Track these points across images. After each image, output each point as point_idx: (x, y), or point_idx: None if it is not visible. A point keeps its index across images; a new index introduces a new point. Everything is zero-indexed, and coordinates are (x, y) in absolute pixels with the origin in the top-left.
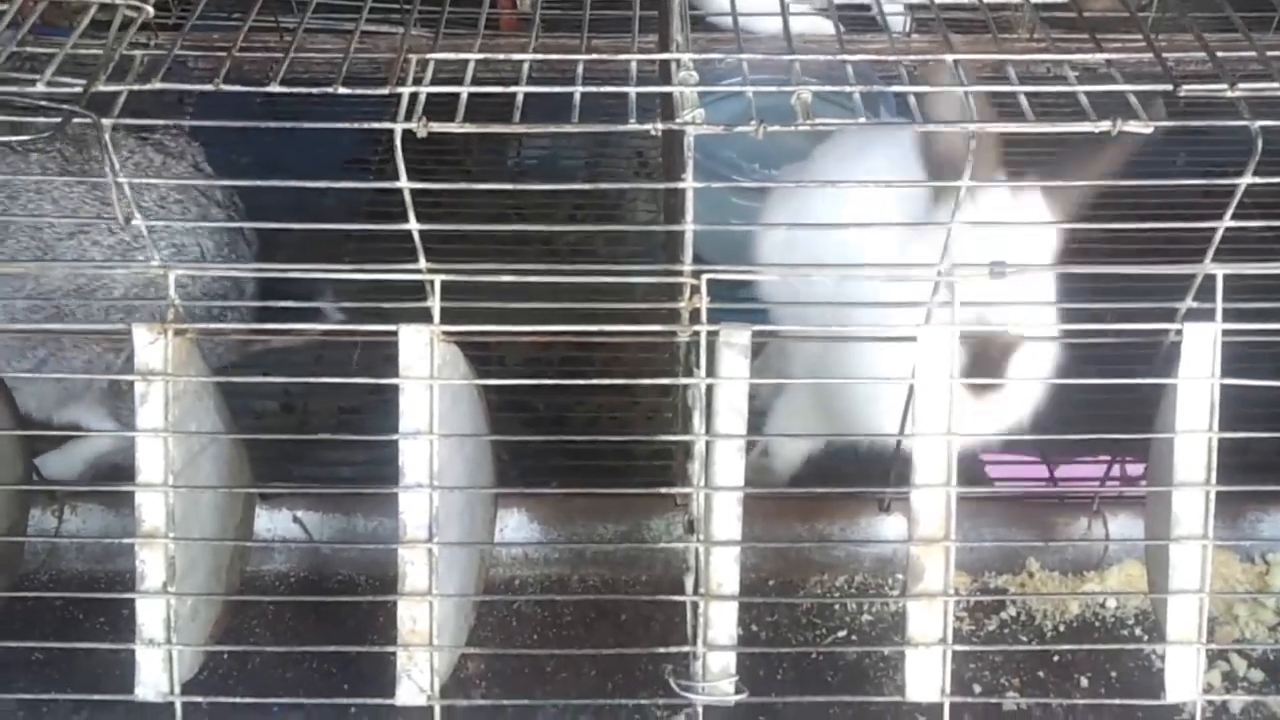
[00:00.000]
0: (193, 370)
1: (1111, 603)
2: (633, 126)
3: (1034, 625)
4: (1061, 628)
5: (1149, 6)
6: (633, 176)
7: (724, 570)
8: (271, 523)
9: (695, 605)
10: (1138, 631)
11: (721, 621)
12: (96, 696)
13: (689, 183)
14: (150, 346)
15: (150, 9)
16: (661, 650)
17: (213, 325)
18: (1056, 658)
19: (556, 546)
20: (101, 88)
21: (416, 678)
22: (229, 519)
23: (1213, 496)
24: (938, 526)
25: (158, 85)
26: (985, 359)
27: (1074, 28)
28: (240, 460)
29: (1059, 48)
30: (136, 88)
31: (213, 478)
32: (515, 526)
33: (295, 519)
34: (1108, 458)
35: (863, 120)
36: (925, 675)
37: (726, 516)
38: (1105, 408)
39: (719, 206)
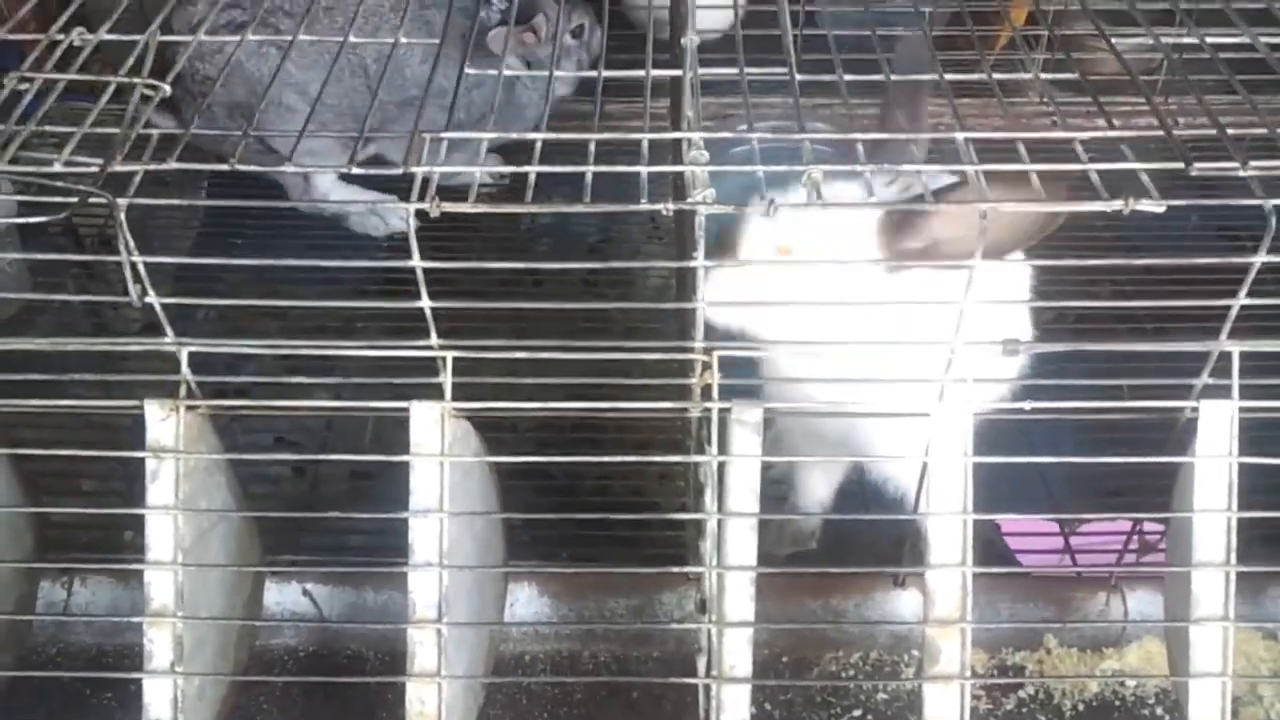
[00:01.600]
0: (204, 446)
1: (1132, 680)
2: (644, 207)
3: (1053, 704)
4: (1081, 706)
5: (1158, 68)
6: (645, 240)
7: (737, 652)
8: (281, 596)
9: (708, 688)
10: (1159, 711)
11: (734, 705)
12: None
13: (700, 261)
14: (162, 423)
15: (167, 88)
16: None
17: (225, 402)
18: None
19: (568, 623)
20: (118, 167)
21: None
22: (238, 595)
23: (1233, 577)
24: (953, 607)
25: (174, 165)
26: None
27: (1082, 89)
28: (250, 534)
29: (1069, 124)
30: (153, 167)
31: (222, 554)
32: (525, 601)
33: (305, 592)
34: (1125, 520)
35: (874, 200)
36: None
37: (739, 597)
38: (1123, 477)
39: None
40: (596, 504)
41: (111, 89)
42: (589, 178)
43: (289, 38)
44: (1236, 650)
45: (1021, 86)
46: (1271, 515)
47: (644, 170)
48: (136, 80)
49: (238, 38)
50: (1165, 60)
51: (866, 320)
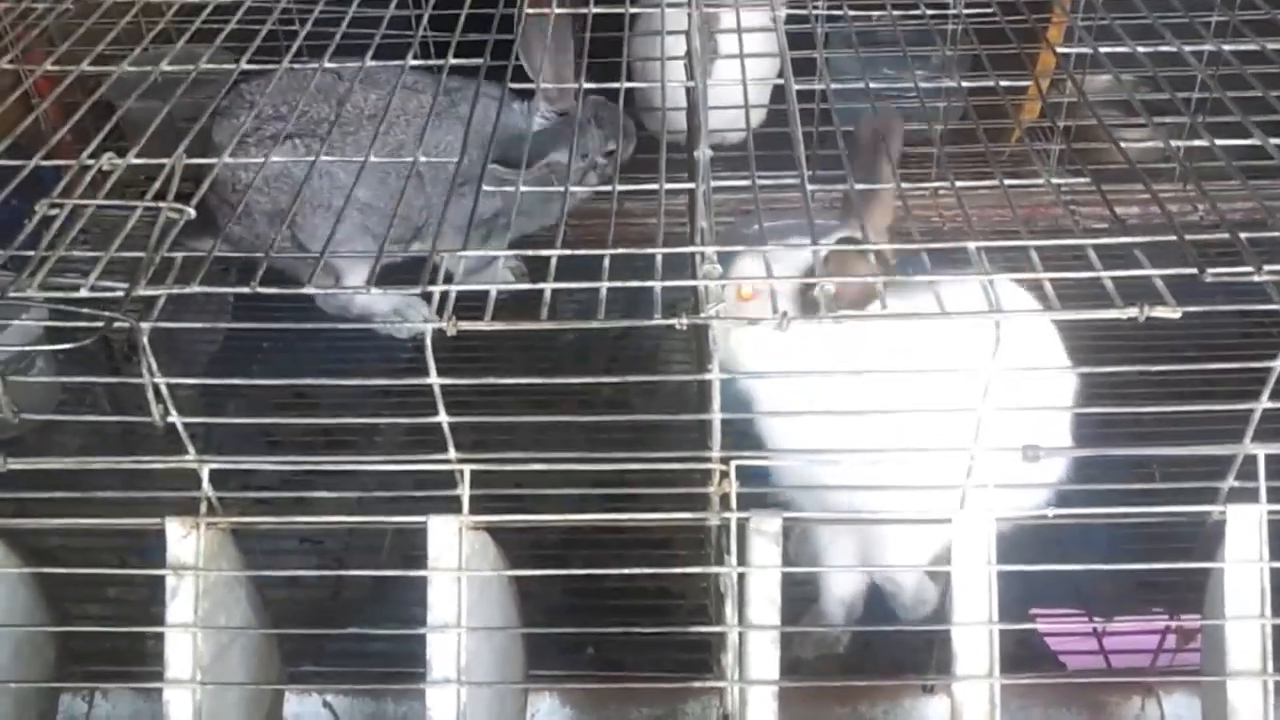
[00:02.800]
0: (224, 561)
1: None
2: (658, 322)
3: None
4: None
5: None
6: (668, 331)
7: None
8: (301, 708)
9: None
10: None
11: None
12: None
13: (715, 374)
14: (182, 540)
15: (192, 212)
16: None
17: (245, 519)
18: None
19: None
20: (142, 292)
21: None
22: (257, 709)
23: (1271, 686)
24: (981, 717)
25: (197, 289)
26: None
27: (1102, 177)
28: (270, 647)
29: (1084, 215)
30: (176, 291)
31: (241, 668)
32: (547, 712)
33: (325, 704)
34: (1160, 618)
35: (885, 312)
36: None
37: (762, 712)
38: (1158, 572)
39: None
40: (621, 606)
41: (138, 213)
42: (603, 293)
43: (320, 153)
44: None
45: (1041, 171)
46: None
47: (657, 285)
48: (161, 205)
49: (264, 152)
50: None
51: (893, 425)
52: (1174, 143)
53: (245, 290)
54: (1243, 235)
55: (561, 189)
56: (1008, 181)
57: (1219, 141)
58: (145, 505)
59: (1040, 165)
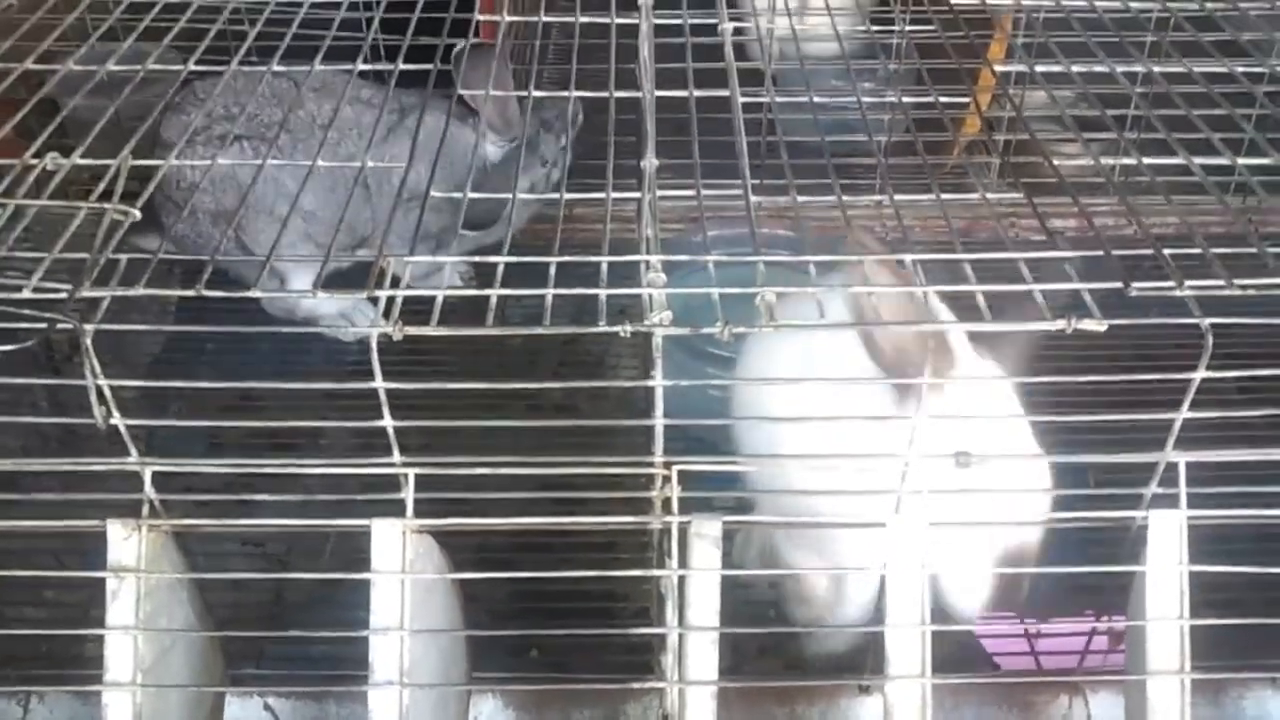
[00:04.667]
0: (166, 564)
1: None
2: (602, 329)
3: None
4: None
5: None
6: (616, 336)
7: None
8: (243, 712)
9: None
10: None
11: None
12: None
13: (659, 381)
14: (124, 543)
15: (137, 213)
16: None
17: (188, 521)
18: None
19: None
20: (86, 293)
21: None
22: (198, 712)
23: (1188, 684)
24: (914, 717)
25: (142, 290)
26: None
27: (1039, 190)
28: (213, 649)
29: (1014, 242)
30: (120, 293)
31: (184, 670)
32: (489, 714)
33: (266, 707)
34: (1088, 618)
35: (824, 321)
36: None
37: (701, 712)
38: (1088, 575)
39: (694, 374)
40: (565, 610)
41: (83, 214)
42: (549, 299)
43: (268, 157)
44: None
45: (979, 185)
46: (1224, 622)
47: (602, 293)
48: (107, 206)
49: (212, 151)
50: (1115, 168)
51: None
52: (1104, 160)
53: (190, 293)
54: (1167, 251)
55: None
56: (945, 196)
57: (1148, 160)
58: (86, 508)
59: (977, 180)
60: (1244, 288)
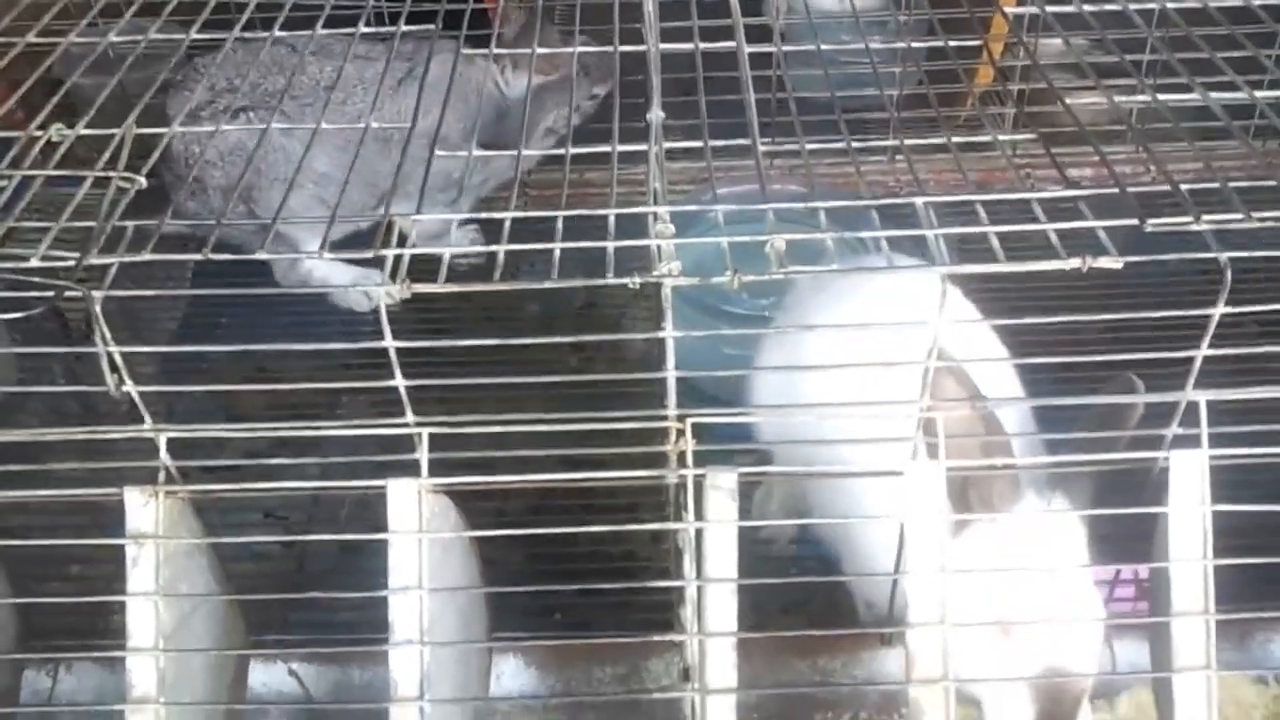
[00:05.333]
0: (185, 530)
1: None
2: (610, 281)
3: None
4: None
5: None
6: (631, 299)
7: (721, 719)
8: (267, 676)
9: None
10: None
11: None
12: None
13: (669, 332)
14: (142, 509)
15: (143, 180)
16: None
17: (204, 486)
18: None
19: (554, 695)
20: (93, 260)
21: None
22: (221, 677)
23: (1213, 625)
24: (935, 665)
25: (148, 256)
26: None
27: (1055, 139)
28: (234, 615)
29: (1037, 178)
30: (128, 259)
31: (205, 637)
32: (511, 673)
33: (290, 672)
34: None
35: (835, 267)
36: None
37: (721, 663)
38: (1112, 523)
39: (712, 339)
40: (586, 570)
41: (89, 182)
42: (557, 254)
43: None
44: (1226, 696)
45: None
46: (1247, 561)
47: (610, 245)
48: (112, 174)
49: (218, 125)
50: (1133, 112)
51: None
52: (1119, 99)
53: (198, 257)
54: (1184, 187)
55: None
56: (956, 140)
57: (1163, 96)
58: (107, 479)
59: (992, 129)
60: (1263, 220)
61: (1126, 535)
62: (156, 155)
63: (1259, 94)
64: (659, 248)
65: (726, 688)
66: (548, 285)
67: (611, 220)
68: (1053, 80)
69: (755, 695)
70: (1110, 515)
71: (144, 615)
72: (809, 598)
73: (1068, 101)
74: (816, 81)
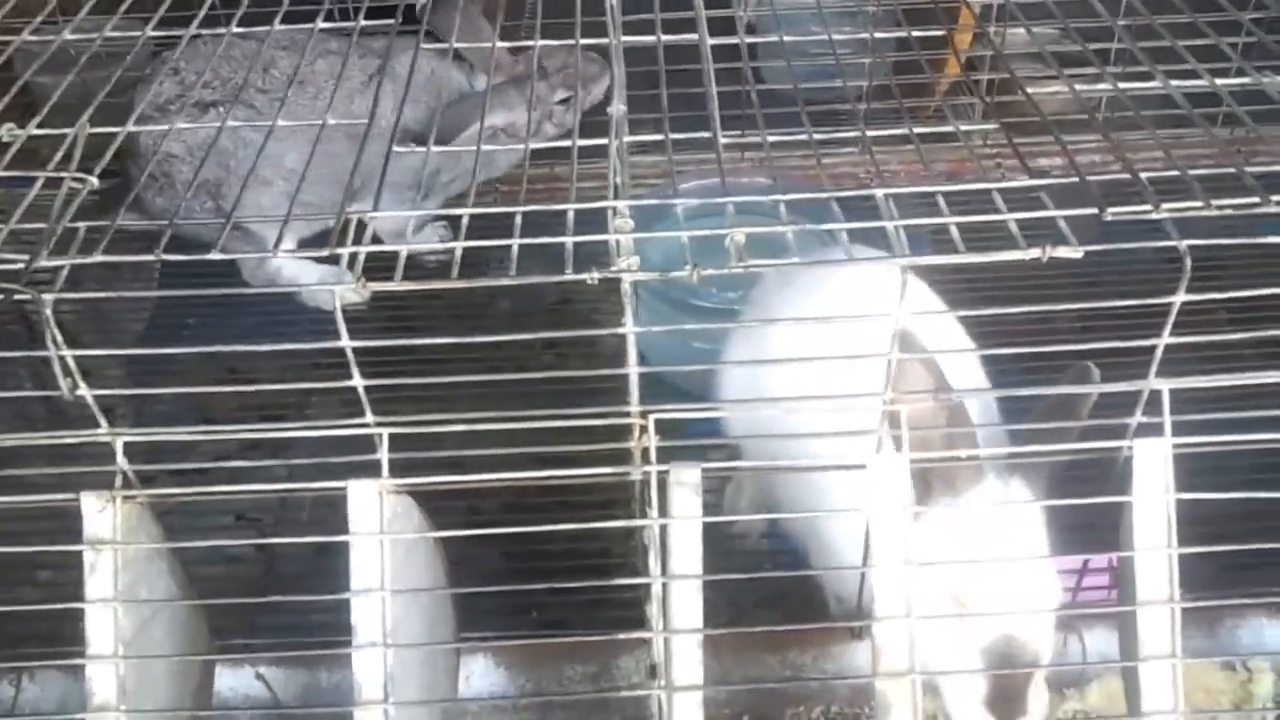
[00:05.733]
0: (144, 535)
1: None
2: (569, 277)
3: None
4: None
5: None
6: (604, 296)
7: (688, 715)
8: (235, 681)
9: None
10: None
11: None
12: None
13: (629, 328)
14: (99, 515)
15: (95, 181)
16: None
17: (161, 491)
18: None
19: (524, 695)
20: (44, 263)
21: None
22: (186, 683)
23: (1178, 613)
24: (902, 658)
25: (99, 258)
26: (1009, 686)
27: (1024, 129)
28: (197, 620)
29: (990, 176)
30: (78, 261)
31: (167, 642)
32: (481, 673)
33: (258, 676)
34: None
35: (795, 260)
36: None
37: (687, 660)
38: (1081, 514)
39: (682, 333)
40: (564, 567)
41: (40, 183)
42: (515, 249)
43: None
44: (1195, 683)
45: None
46: (1212, 549)
47: (569, 241)
48: (64, 174)
49: (183, 120)
50: (1102, 102)
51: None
52: (1082, 88)
53: (150, 258)
54: (1147, 175)
55: (508, 145)
56: (920, 130)
57: (1128, 86)
58: (71, 484)
59: (954, 121)
60: (1221, 208)
61: (1102, 524)
62: (111, 152)
63: (1220, 82)
64: (618, 243)
65: (692, 684)
66: (505, 282)
67: (571, 215)
68: (1020, 71)
69: (725, 691)
70: (1083, 504)
71: (103, 622)
72: (783, 593)
73: (1033, 92)
74: (784, 74)
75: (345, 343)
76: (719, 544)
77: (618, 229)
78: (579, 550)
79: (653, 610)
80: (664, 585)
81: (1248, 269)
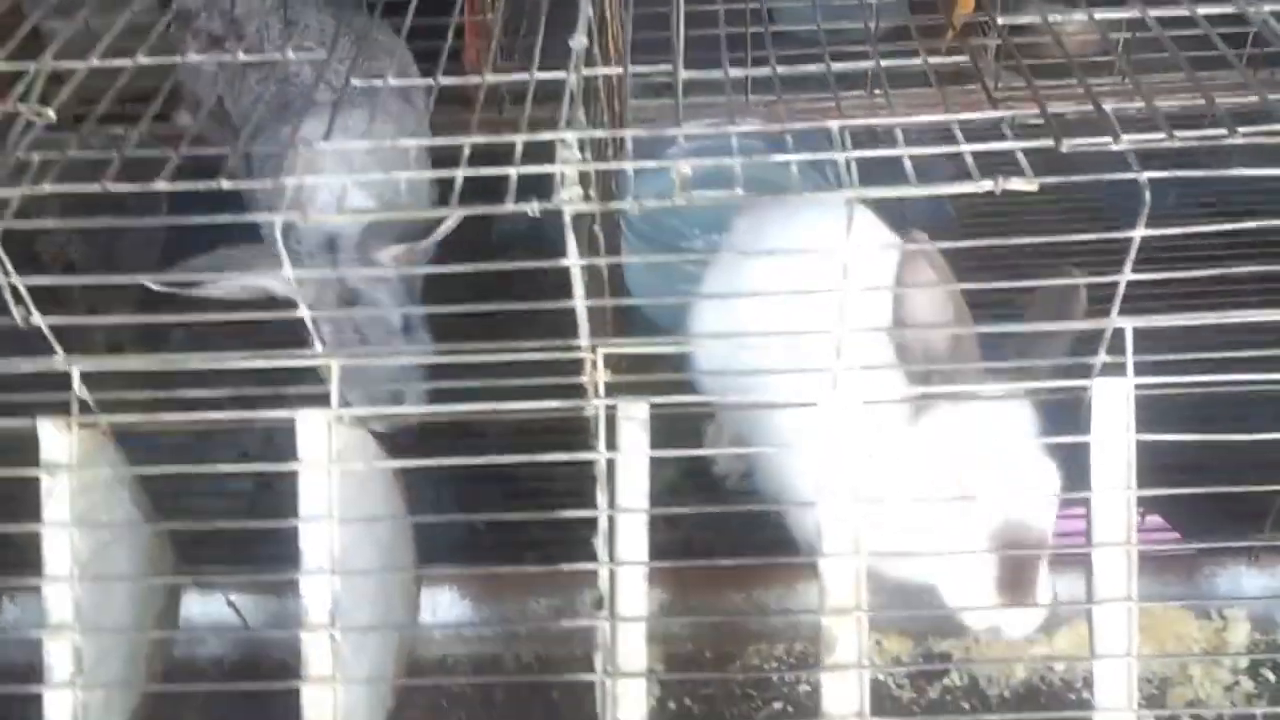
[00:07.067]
0: (103, 462)
1: (1060, 664)
2: (509, 208)
3: (978, 691)
4: (1007, 693)
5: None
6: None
7: (632, 647)
8: (205, 607)
9: (604, 684)
10: (1085, 695)
11: (630, 700)
12: None
13: (572, 260)
14: (55, 440)
15: (52, 114)
16: None
17: (117, 417)
18: None
19: (478, 624)
20: None
21: None
22: (148, 608)
23: (1134, 556)
24: (848, 596)
25: (48, 188)
26: (1016, 563)
27: (1035, 72)
28: (161, 548)
29: (951, 105)
30: (27, 191)
31: (127, 567)
32: (447, 605)
33: (229, 602)
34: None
35: (739, 191)
36: None
37: (633, 592)
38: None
39: (667, 273)
40: (549, 504)
41: None
42: (459, 181)
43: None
44: (1167, 630)
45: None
46: (1171, 491)
47: (514, 171)
48: (22, 108)
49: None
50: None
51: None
52: (1105, 15)
53: (94, 187)
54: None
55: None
56: (934, 61)
57: (1154, 13)
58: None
59: (974, 59)
60: (1185, 139)
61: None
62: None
63: (1254, 9)
64: (562, 175)
65: (636, 616)
66: (443, 213)
67: (519, 146)
68: (1037, 7)
69: (690, 628)
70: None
71: (59, 545)
72: (764, 537)
73: (1053, 20)
74: (797, 14)
75: (288, 272)
76: (702, 483)
77: (564, 160)
78: (547, 491)
79: (598, 543)
80: (610, 518)
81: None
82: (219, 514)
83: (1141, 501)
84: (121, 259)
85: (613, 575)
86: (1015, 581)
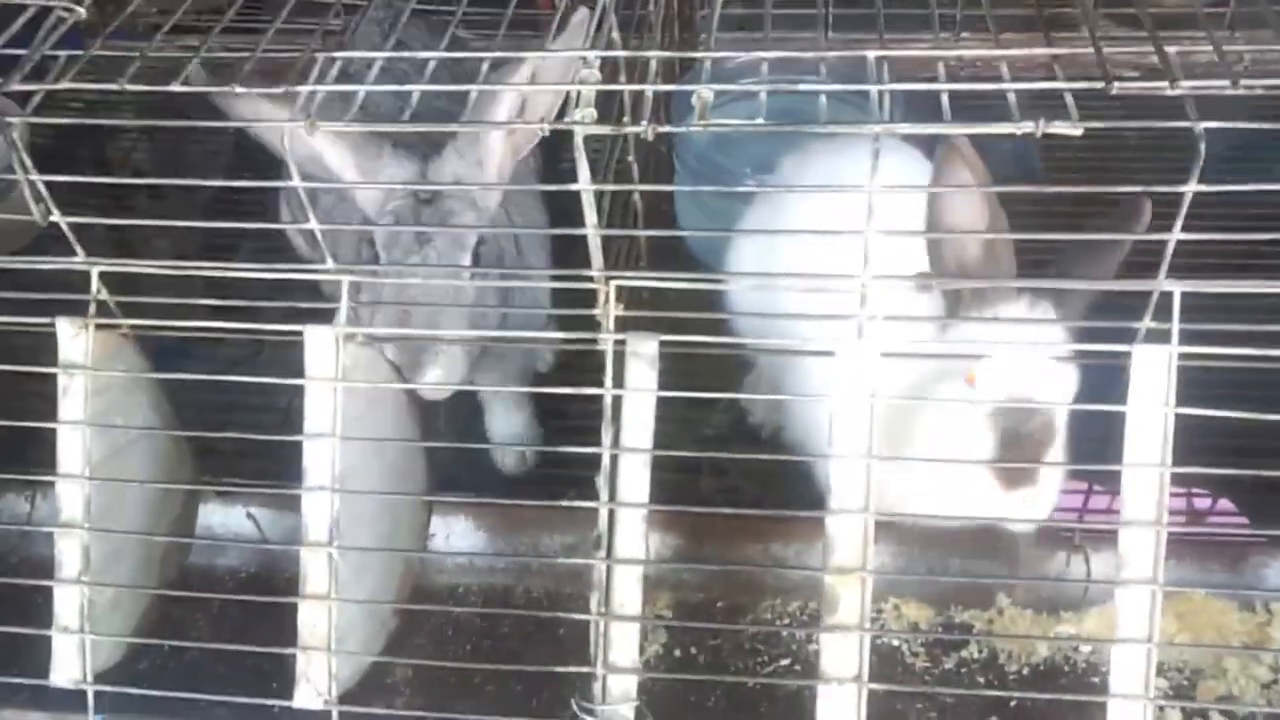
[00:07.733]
0: (121, 365)
1: (1086, 646)
2: (516, 124)
3: (995, 665)
4: (1026, 671)
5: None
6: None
7: (627, 589)
8: (225, 518)
9: (597, 624)
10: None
11: (623, 643)
12: (16, 680)
13: (583, 185)
14: (73, 340)
15: (83, 10)
16: (572, 670)
17: (135, 321)
18: (1014, 703)
19: (502, 555)
20: (17, 87)
21: (315, 681)
22: (162, 513)
23: (1163, 537)
24: (854, 555)
25: (67, 85)
26: (1018, 447)
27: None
28: (179, 455)
29: (1001, 42)
30: (50, 87)
31: (141, 472)
32: (461, 533)
33: (249, 515)
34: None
35: (761, 122)
36: (838, 715)
37: (631, 534)
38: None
39: (715, 214)
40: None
41: (32, 11)
42: (473, 96)
43: None
44: (1207, 621)
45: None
46: (1209, 471)
47: (528, 88)
48: (53, 4)
49: None
50: None
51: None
52: None
53: (113, 87)
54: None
55: None
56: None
57: None
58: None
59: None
60: (1250, 88)
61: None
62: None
63: None
64: (579, 94)
65: (633, 558)
66: (453, 128)
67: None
68: None
69: (702, 577)
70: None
71: (72, 443)
72: (806, 489)
73: None
74: None
75: (297, 183)
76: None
77: (582, 79)
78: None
79: (600, 482)
80: (612, 457)
81: None
82: (260, 430)
83: (1210, 483)
84: (188, 167)
85: (611, 515)
86: (1016, 466)
